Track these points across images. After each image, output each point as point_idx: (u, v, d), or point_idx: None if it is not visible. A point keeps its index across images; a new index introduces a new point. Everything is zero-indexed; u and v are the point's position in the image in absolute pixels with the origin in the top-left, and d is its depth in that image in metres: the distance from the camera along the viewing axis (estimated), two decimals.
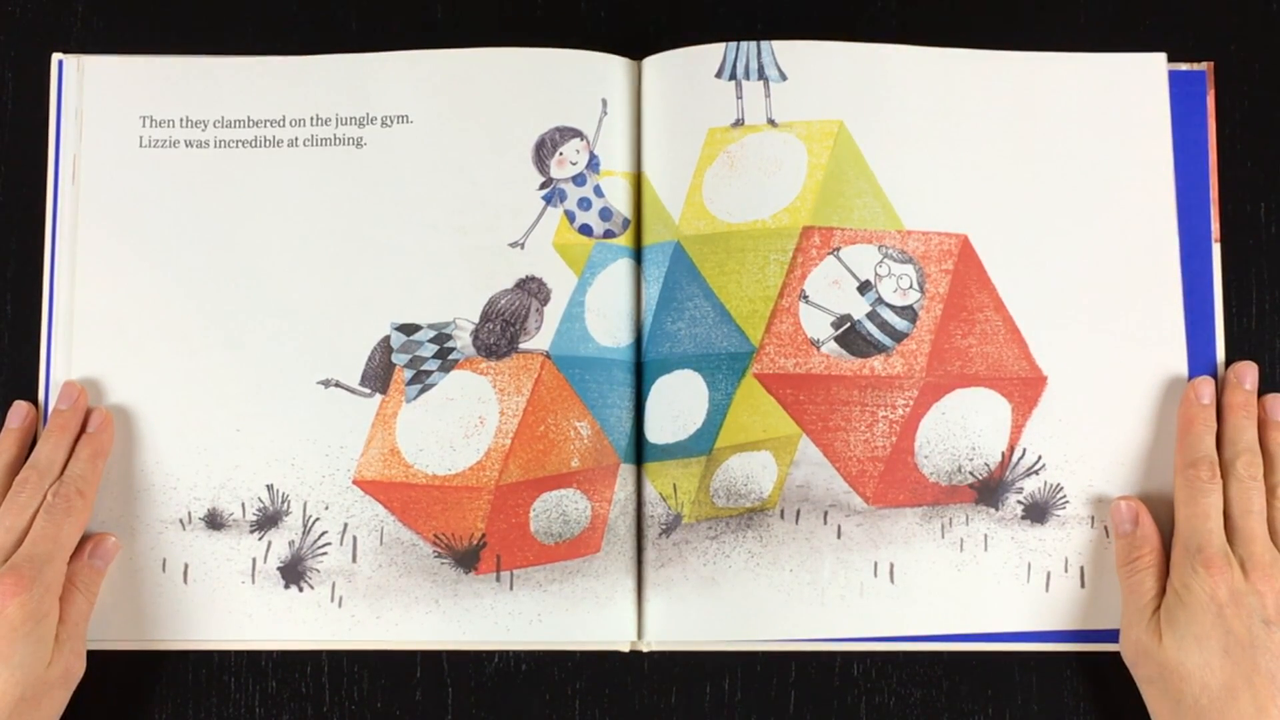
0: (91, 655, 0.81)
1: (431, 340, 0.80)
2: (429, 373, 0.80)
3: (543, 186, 0.81)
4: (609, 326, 0.81)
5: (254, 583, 0.80)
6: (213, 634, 0.80)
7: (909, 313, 0.81)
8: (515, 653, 0.82)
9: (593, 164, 0.81)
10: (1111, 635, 0.80)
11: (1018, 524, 0.81)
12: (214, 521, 0.80)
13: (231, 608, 0.80)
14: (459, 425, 0.80)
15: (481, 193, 0.81)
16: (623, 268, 0.82)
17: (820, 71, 0.82)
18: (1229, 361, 0.82)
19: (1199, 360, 0.82)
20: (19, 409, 0.81)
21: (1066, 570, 0.80)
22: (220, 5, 0.86)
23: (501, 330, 0.80)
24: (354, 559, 0.80)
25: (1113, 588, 0.80)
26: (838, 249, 0.81)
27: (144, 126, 0.83)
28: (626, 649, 0.80)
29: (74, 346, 0.82)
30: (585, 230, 0.81)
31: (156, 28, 0.86)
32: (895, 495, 0.80)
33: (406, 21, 0.86)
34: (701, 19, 0.86)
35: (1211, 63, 0.84)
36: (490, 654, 0.82)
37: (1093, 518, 0.81)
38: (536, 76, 0.82)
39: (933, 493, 0.81)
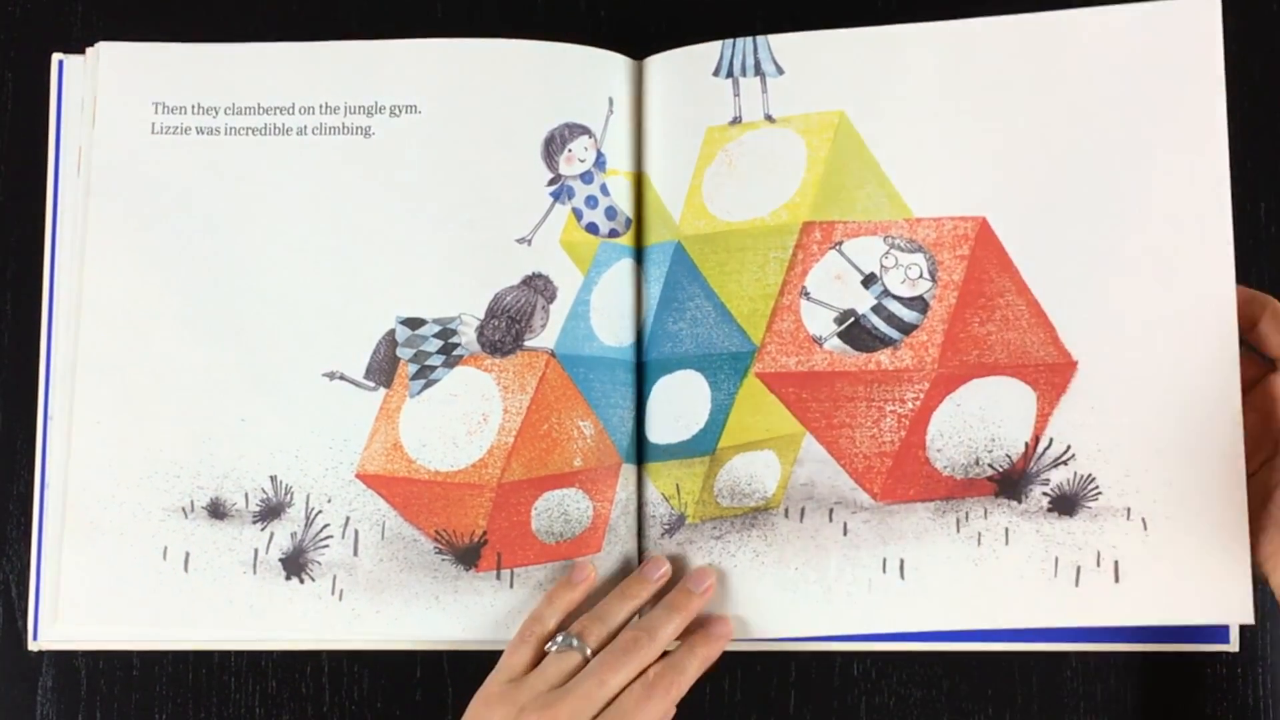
0: (92, 655, 0.81)
1: (436, 335, 0.80)
2: (433, 368, 0.80)
3: (551, 183, 0.81)
4: (612, 326, 0.81)
5: (255, 573, 0.79)
6: (213, 623, 0.79)
7: (919, 303, 0.79)
8: None
9: (600, 162, 0.81)
10: (1149, 634, 0.78)
11: (1044, 516, 0.77)
12: (216, 511, 0.80)
13: (232, 597, 0.79)
14: (462, 422, 0.80)
15: (489, 187, 0.81)
16: (625, 267, 0.82)
17: (819, 62, 0.80)
18: None
19: None
20: (586, 569, 0.79)
21: (1099, 564, 0.76)
22: (220, 4, 0.87)
23: (507, 327, 0.80)
24: (355, 552, 0.79)
25: (1150, 583, 0.75)
26: (840, 243, 0.80)
27: (156, 113, 0.83)
28: None
29: (80, 333, 0.81)
30: (592, 229, 0.81)
31: (156, 26, 0.86)
32: (905, 490, 0.78)
33: (406, 19, 0.86)
34: (702, 18, 0.86)
35: None
36: (491, 653, 0.81)
37: (1129, 509, 0.76)
38: (546, 71, 0.82)
39: (947, 486, 0.78)
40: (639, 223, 0.82)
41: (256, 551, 0.80)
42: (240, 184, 0.82)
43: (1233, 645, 0.80)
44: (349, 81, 0.82)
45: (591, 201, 0.81)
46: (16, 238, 0.85)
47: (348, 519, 0.80)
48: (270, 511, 0.80)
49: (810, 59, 0.80)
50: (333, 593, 0.79)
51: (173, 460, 0.80)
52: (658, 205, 0.82)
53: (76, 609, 0.80)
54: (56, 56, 0.85)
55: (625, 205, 0.82)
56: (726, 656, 0.81)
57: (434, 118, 0.82)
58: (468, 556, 0.79)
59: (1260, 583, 0.73)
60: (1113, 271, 0.77)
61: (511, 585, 0.79)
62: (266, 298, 0.81)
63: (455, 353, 0.80)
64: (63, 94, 0.84)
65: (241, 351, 0.81)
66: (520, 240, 0.81)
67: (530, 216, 0.81)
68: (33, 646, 0.81)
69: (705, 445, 0.80)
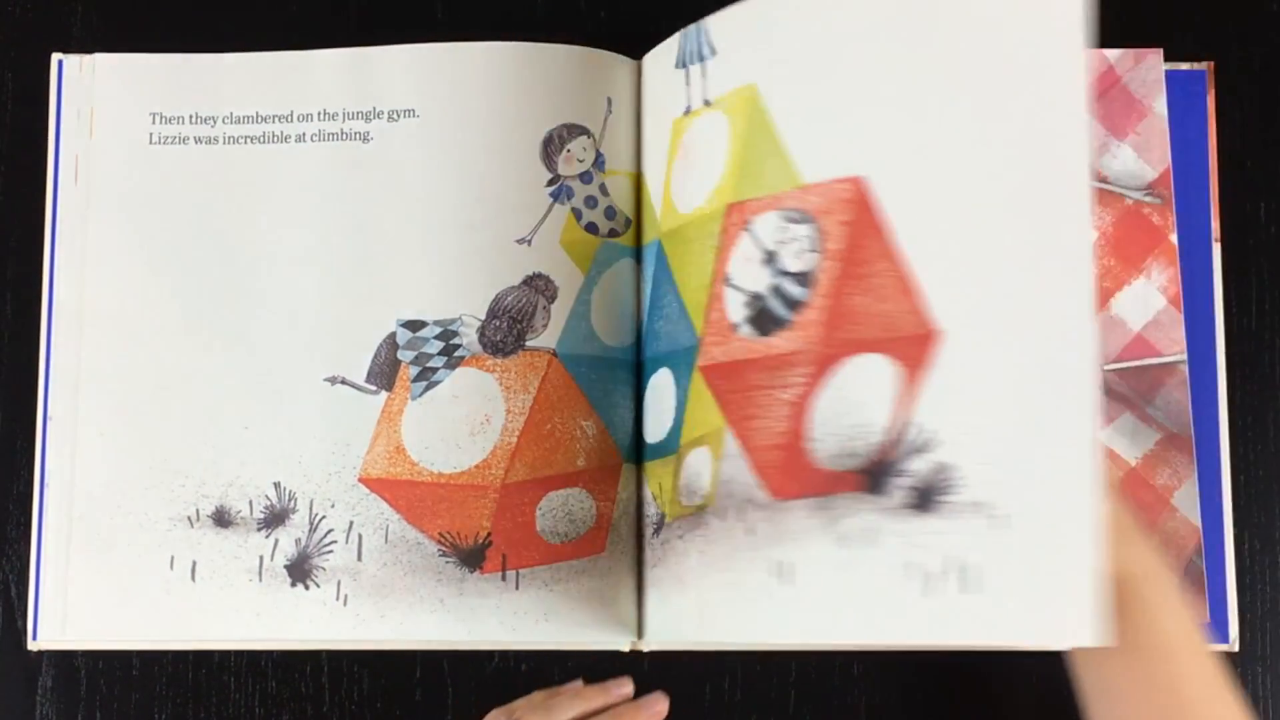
0: (91, 655, 0.81)
1: (438, 337, 0.80)
2: (435, 369, 0.80)
3: (550, 183, 0.81)
4: (613, 325, 0.81)
5: (261, 581, 0.80)
6: (221, 632, 0.80)
7: (807, 278, 0.69)
8: (515, 652, 0.82)
9: (599, 162, 0.81)
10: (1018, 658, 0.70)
11: (903, 514, 0.65)
12: (222, 519, 0.80)
13: (239, 606, 0.79)
14: (464, 423, 0.80)
15: (489, 188, 0.81)
16: (625, 267, 0.82)
17: (741, 37, 0.74)
18: (1230, 361, 0.81)
19: (1199, 361, 0.81)
20: (575, 686, 0.80)
21: (959, 572, 0.62)
22: (219, 3, 0.86)
23: (508, 327, 0.80)
24: (359, 557, 0.79)
25: (1018, 596, 0.61)
26: (749, 222, 0.72)
27: (154, 123, 0.83)
28: (626, 649, 0.80)
29: (83, 343, 0.81)
30: (591, 229, 0.81)
31: (156, 27, 0.86)
32: (791, 486, 0.69)
33: (406, 20, 0.86)
34: (702, 17, 0.85)
35: (1211, 63, 0.84)
36: (490, 654, 0.82)
37: (988, 505, 0.62)
38: (544, 72, 0.81)
39: (821, 481, 0.68)
40: (638, 222, 0.82)
41: (262, 559, 0.80)
42: (240, 192, 0.82)
43: (1233, 644, 0.80)
44: (346, 88, 0.82)
45: (591, 201, 0.81)
46: (16, 237, 0.84)
47: (351, 524, 0.80)
48: (274, 518, 0.80)
49: (735, 35, 0.75)
50: (337, 598, 0.79)
51: (177, 469, 0.80)
52: (649, 204, 0.81)
53: (85, 621, 0.80)
54: (56, 57, 0.84)
55: (625, 205, 0.82)
56: (727, 656, 0.82)
57: (432, 121, 0.82)
58: (472, 559, 0.79)
59: None
60: (978, 234, 0.64)
61: (518, 587, 0.79)
62: (267, 305, 0.81)
63: (457, 354, 0.80)
64: (63, 94, 0.84)
65: (243, 359, 0.81)
66: (520, 241, 0.80)
67: (530, 217, 0.81)
68: (33, 646, 0.81)
69: (673, 443, 0.78)
